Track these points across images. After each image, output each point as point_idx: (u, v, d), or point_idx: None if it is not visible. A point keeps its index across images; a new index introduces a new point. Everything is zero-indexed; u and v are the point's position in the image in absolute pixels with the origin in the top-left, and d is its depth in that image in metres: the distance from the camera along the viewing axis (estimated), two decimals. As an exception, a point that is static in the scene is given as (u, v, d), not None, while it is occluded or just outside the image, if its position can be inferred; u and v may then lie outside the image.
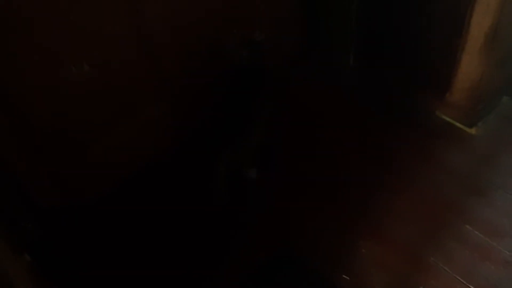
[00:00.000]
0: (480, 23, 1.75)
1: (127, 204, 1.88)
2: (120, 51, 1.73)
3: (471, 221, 1.75)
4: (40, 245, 1.71)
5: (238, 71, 1.94)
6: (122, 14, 1.67)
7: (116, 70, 1.75)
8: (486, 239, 1.70)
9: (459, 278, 1.62)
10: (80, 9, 1.56)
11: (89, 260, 1.76)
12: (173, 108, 1.97)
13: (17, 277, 1.32)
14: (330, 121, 2.16)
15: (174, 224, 1.83)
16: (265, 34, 1.91)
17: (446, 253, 1.68)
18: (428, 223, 1.77)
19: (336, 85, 2.29)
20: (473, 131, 2.04)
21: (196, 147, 1.98)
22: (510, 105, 2.11)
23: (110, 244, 1.80)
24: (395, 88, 2.18)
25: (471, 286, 1.60)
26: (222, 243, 1.80)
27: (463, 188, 1.86)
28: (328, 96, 2.25)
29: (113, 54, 1.71)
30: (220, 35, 1.94)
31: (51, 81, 1.60)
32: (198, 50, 1.92)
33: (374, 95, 2.21)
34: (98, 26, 1.62)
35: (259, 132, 1.90)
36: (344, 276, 1.66)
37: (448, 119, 2.08)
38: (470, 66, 1.88)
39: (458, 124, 2.06)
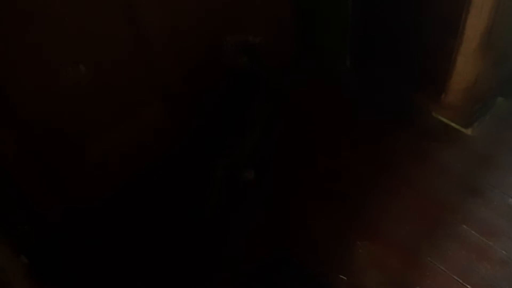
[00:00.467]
0: (475, 24, 1.76)
1: (125, 206, 1.88)
2: (117, 52, 1.73)
3: (467, 221, 1.76)
4: (38, 248, 1.71)
5: (236, 73, 1.94)
6: (119, 15, 1.66)
7: (113, 71, 1.74)
8: (482, 239, 1.71)
9: (456, 278, 1.63)
10: (76, 10, 1.55)
11: (87, 263, 1.76)
12: (170, 110, 1.97)
13: (14, 279, 1.32)
14: (325, 122, 2.16)
15: (172, 226, 1.83)
16: (261, 35, 1.91)
17: (442, 252, 1.69)
18: (425, 223, 1.78)
19: (332, 86, 2.29)
20: (469, 131, 2.05)
21: (193, 150, 1.98)
22: (505, 106, 2.12)
23: (108, 247, 1.80)
24: (391, 89, 2.18)
25: (467, 286, 1.61)
26: (219, 245, 1.80)
27: (459, 188, 1.87)
28: (324, 97, 2.25)
29: (110, 55, 1.71)
30: (218, 37, 1.94)
31: (47, 82, 1.59)
32: (196, 51, 1.92)
33: (370, 96, 2.21)
34: (95, 27, 1.62)
35: (257, 134, 1.91)
36: (341, 276, 1.67)
37: (444, 119, 2.09)
38: (465, 67, 1.89)
39: (454, 125, 2.07)
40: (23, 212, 1.70)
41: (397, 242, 1.74)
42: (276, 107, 2.08)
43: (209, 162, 1.83)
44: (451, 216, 1.78)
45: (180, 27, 1.84)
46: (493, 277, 1.62)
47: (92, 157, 1.81)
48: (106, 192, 1.87)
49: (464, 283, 1.61)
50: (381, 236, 1.76)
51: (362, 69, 2.28)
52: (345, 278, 1.67)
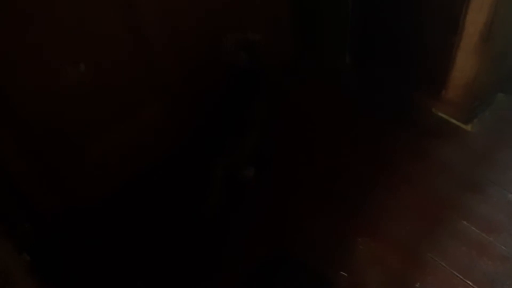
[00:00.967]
0: (475, 20, 1.76)
1: (125, 206, 1.89)
2: (117, 52, 1.74)
3: (467, 217, 1.76)
4: (38, 247, 1.72)
5: (235, 72, 1.94)
6: (119, 15, 1.67)
7: (113, 71, 1.75)
8: (482, 235, 1.70)
9: (456, 274, 1.62)
10: (76, 10, 1.56)
11: (87, 262, 1.77)
12: (170, 110, 1.97)
13: (17, 276, 1.33)
14: (325, 121, 2.16)
15: (172, 226, 1.84)
16: (261, 34, 1.92)
17: (443, 249, 1.69)
18: (425, 220, 1.78)
19: (332, 85, 2.29)
20: (469, 127, 2.05)
21: (193, 150, 1.98)
22: (506, 102, 2.11)
23: (108, 247, 1.80)
24: (391, 86, 2.18)
25: (468, 282, 1.60)
26: (219, 245, 1.80)
27: (460, 184, 1.86)
28: (323, 97, 2.25)
29: (110, 55, 1.72)
30: (218, 37, 1.94)
31: (47, 82, 1.60)
32: (196, 51, 1.93)
33: (370, 95, 2.21)
34: (95, 27, 1.63)
35: (257, 134, 1.91)
36: (342, 273, 1.67)
37: (444, 116, 2.09)
38: (465, 63, 1.88)
39: (454, 121, 2.07)
40: (23, 212, 1.70)
41: (397, 239, 1.73)
42: (276, 107, 2.09)
43: (209, 162, 1.83)
44: (451, 212, 1.78)
45: (180, 27, 1.84)
46: (494, 273, 1.61)
47: (92, 157, 1.81)
48: (106, 192, 1.87)
49: (464, 279, 1.61)
50: (382, 233, 1.76)
51: (362, 69, 2.28)
52: (346, 275, 1.66)
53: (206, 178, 1.83)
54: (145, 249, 1.79)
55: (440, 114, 2.09)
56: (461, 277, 1.61)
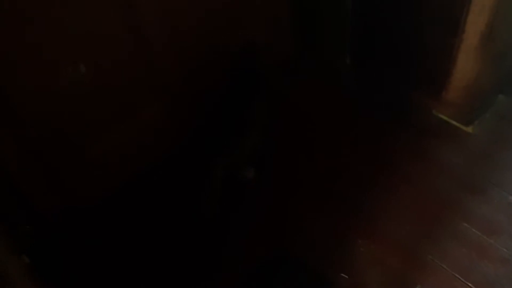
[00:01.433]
0: (475, 21, 1.75)
1: (125, 206, 1.88)
2: (117, 52, 1.73)
3: (468, 219, 1.76)
4: (38, 248, 1.71)
5: (236, 72, 1.94)
6: (119, 15, 1.67)
7: (113, 71, 1.74)
8: (483, 237, 1.71)
9: (457, 276, 1.62)
10: (76, 10, 1.56)
11: (87, 262, 1.77)
12: (170, 110, 1.97)
13: (16, 278, 1.32)
14: (326, 120, 2.16)
15: (172, 226, 1.84)
16: (261, 34, 1.92)
17: (443, 250, 1.69)
18: (425, 221, 1.78)
19: (332, 85, 2.29)
20: (469, 129, 2.04)
21: (193, 150, 1.98)
22: (506, 103, 2.11)
23: (108, 247, 1.80)
24: (391, 87, 2.18)
25: (468, 283, 1.60)
26: (219, 245, 1.80)
27: (460, 186, 1.86)
28: (324, 96, 2.25)
29: (110, 55, 1.71)
30: (218, 37, 1.94)
31: (47, 82, 1.59)
32: (196, 51, 1.92)
33: (370, 94, 2.21)
34: (95, 27, 1.62)
35: (256, 134, 1.91)
36: (342, 274, 1.67)
37: (444, 117, 2.09)
38: (465, 64, 1.88)
39: (454, 123, 2.06)
40: (23, 212, 1.70)
41: (397, 240, 1.74)
42: (276, 107, 2.09)
43: (209, 162, 1.83)
44: (452, 214, 1.78)
45: (180, 27, 1.84)
46: (494, 275, 1.62)
47: (92, 157, 1.81)
48: (106, 192, 1.87)
49: (465, 281, 1.61)
50: (382, 234, 1.76)
51: (362, 69, 2.28)
52: (347, 277, 1.66)
53: (206, 178, 1.83)
54: (145, 249, 1.79)
55: (440, 115, 2.09)
56: (461, 278, 1.61)
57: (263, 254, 1.74)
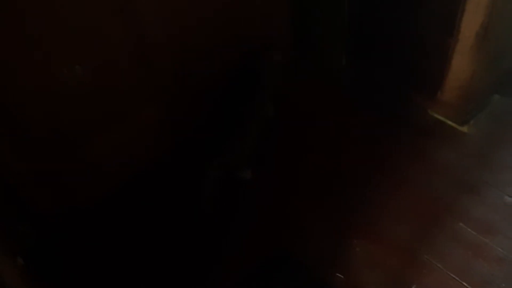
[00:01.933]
0: (471, 22, 1.77)
1: (125, 206, 1.89)
2: (117, 52, 1.73)
3: (464, 219, 1.77)
4: (38, 248, 1.72)
5: (236, 72, 1.95)
6: (119, 15, 1.66)
7: (112, 71, 1.74)
8: (479, 237, 1.72)
9: (453, 276, 1.64)
10: (76, 10, 1.55)
11: (87, 263, 1.77)
12: (170, 110, 1.97)
13: (10, 280, 1.33)
14: (322, 121, 2.17)
15: (172, 226, 1.84)
16: (261, 34, 1.92)
17: (439, 251, 1.70)
18: (421, 221, 1.79)
19: (329, 85, 2.30)
20: (465, 129, 2.06)
21: (192, 150, 1.98)
22: (501, 103, 2.13)
23: (108, 247, 1.81)
24: (387, 87, 2.19)
25: (464, 283, 1.62)
26: (219, 245, 1.81)
27: (456, 186, 1.88)
28: (320, 96, 2.26)
29: (109, 55, 1.71)
30: (219, 36, 1.94)
31: (47, 82, 1.59)
32: (196, 51, 1.92)
33: (366, 95, 2.23)
34: (91, 27, 1.62)
35: (256, 134, 1.92)
36: (338, 274, 1.68)
37: (440, 117, 2.10)
38: (461, 64, 1.90)
39: (450, 123, 2.08)
40: (23, 213, 1.70)
41: (394, 241, 1.75)
42: (275, 107, 2.10)
43: (208, 162, 1.84)
44: (448, 214, 1.80)
45: (180, 27, 1.84)
46: (490, 275, 1.64)
47: (92, 157, 1.81)
48: (106, 192, 1.87)
49: (461, 281, 1.63)
50: (378, 234, 1.77)
51: (359, 69, 2.29)
52: (342, 277, 1.68)
53: (206, 178, 1.84)
54: (145, 249, 1.79)
55: (436, 115, 2.10)
56: (457, 278, 1.63)
57: (263, 254, 1.75)
